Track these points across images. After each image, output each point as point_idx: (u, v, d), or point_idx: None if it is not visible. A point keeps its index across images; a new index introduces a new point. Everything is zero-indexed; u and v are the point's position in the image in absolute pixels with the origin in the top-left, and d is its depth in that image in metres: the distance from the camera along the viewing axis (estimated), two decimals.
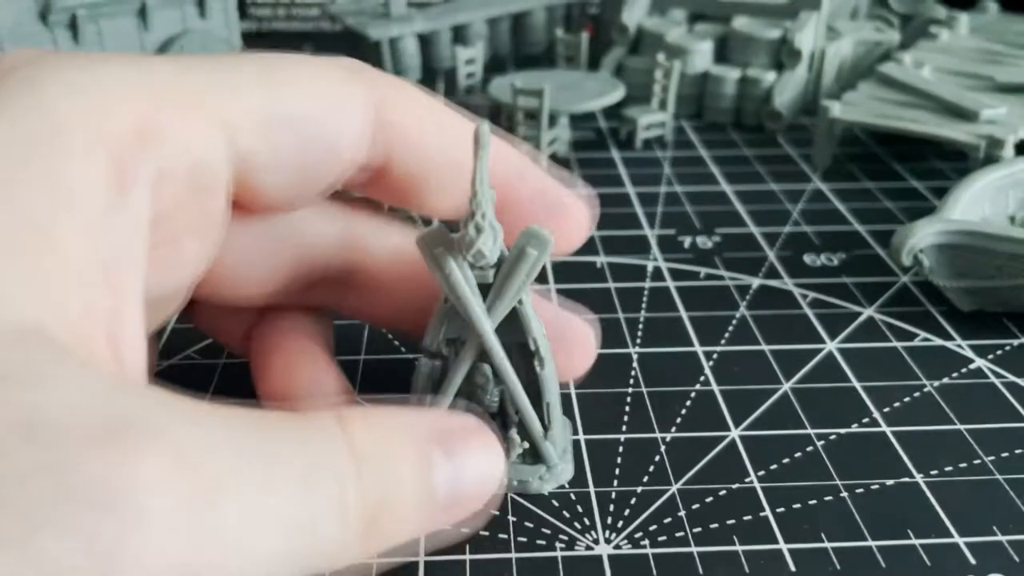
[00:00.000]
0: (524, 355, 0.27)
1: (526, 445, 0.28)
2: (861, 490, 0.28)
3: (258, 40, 0.74)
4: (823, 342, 0.36)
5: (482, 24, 0.73)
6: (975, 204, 0.41)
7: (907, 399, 0.33)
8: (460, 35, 0.72)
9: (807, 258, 0.44)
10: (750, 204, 0.50)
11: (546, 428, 0.27)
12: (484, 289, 0.25)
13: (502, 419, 0.28)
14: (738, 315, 0.38)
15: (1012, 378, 0.34)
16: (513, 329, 0.26)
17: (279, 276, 0.27)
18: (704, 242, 0.46)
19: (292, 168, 0.23)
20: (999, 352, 0.36)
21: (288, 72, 0.23)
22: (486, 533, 0.27)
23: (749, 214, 0.49)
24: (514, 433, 0.27)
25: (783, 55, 0.63)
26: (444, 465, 0.21)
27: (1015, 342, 0.36)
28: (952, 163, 0.56)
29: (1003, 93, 0.54)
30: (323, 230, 0.28)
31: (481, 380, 0.27)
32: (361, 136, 0.24)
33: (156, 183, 0.20)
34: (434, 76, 0.71)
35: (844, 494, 0.28)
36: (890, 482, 0.29)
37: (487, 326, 0.25)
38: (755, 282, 0.41)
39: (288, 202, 0.24)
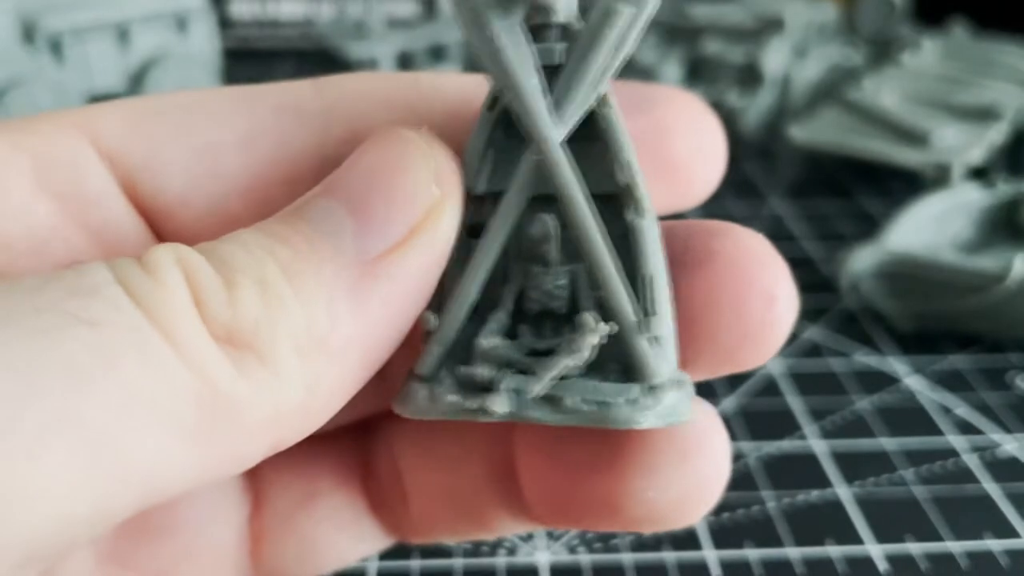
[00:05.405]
0: (605, 203, 0.17)
1: (610, 328, 0.16)
2: (787, 500, 0.30)
3: (239, 59, 0.76)
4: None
5: (459, 44, 0.75)
6: (919, 230, 0.43)
7: (839, 415, 0.35)
8: (438, 54, 0.74)
9: None
10: None
11: (646, 314, 0.17)
12: (549, 75, 0.17)
13: (573, 317, 0.17)
14: None
15: (936, 395, 0.36)
16: (590, 154, 0.17)
17: None
18: None
19: (185, 155, 0.20)
20: (929, 370, 0.38)
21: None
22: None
23: None
24: (587, 316, 0.16)
25: (750, 78, 0.65)
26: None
27: (946, 361, 0.38)
28: (909, 185, 0.58)
29: (960, 117, 0.56)
30: None
31: (538, 236, 0.17)
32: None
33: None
34: None
35: (771, 504, 0.30)
36: (815, 493, 0.31)
37: (550, 130, 0.16)
38: None
39: (212, 204, 0.20)
